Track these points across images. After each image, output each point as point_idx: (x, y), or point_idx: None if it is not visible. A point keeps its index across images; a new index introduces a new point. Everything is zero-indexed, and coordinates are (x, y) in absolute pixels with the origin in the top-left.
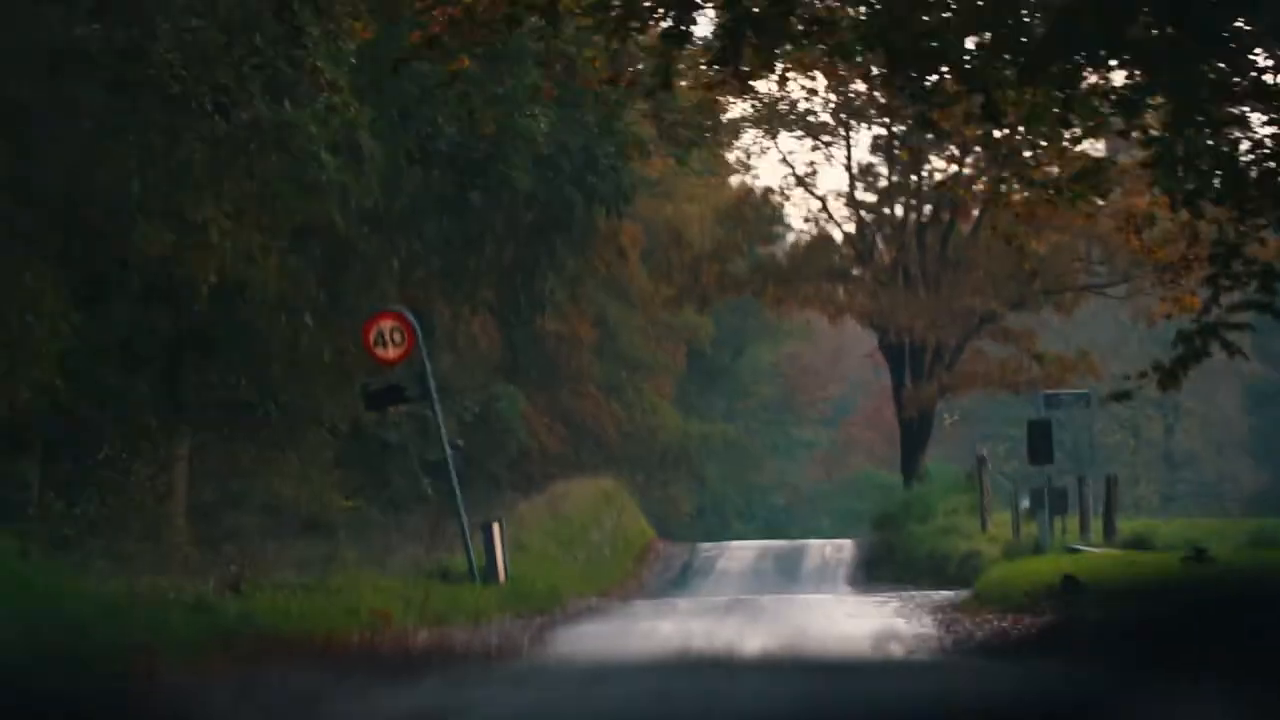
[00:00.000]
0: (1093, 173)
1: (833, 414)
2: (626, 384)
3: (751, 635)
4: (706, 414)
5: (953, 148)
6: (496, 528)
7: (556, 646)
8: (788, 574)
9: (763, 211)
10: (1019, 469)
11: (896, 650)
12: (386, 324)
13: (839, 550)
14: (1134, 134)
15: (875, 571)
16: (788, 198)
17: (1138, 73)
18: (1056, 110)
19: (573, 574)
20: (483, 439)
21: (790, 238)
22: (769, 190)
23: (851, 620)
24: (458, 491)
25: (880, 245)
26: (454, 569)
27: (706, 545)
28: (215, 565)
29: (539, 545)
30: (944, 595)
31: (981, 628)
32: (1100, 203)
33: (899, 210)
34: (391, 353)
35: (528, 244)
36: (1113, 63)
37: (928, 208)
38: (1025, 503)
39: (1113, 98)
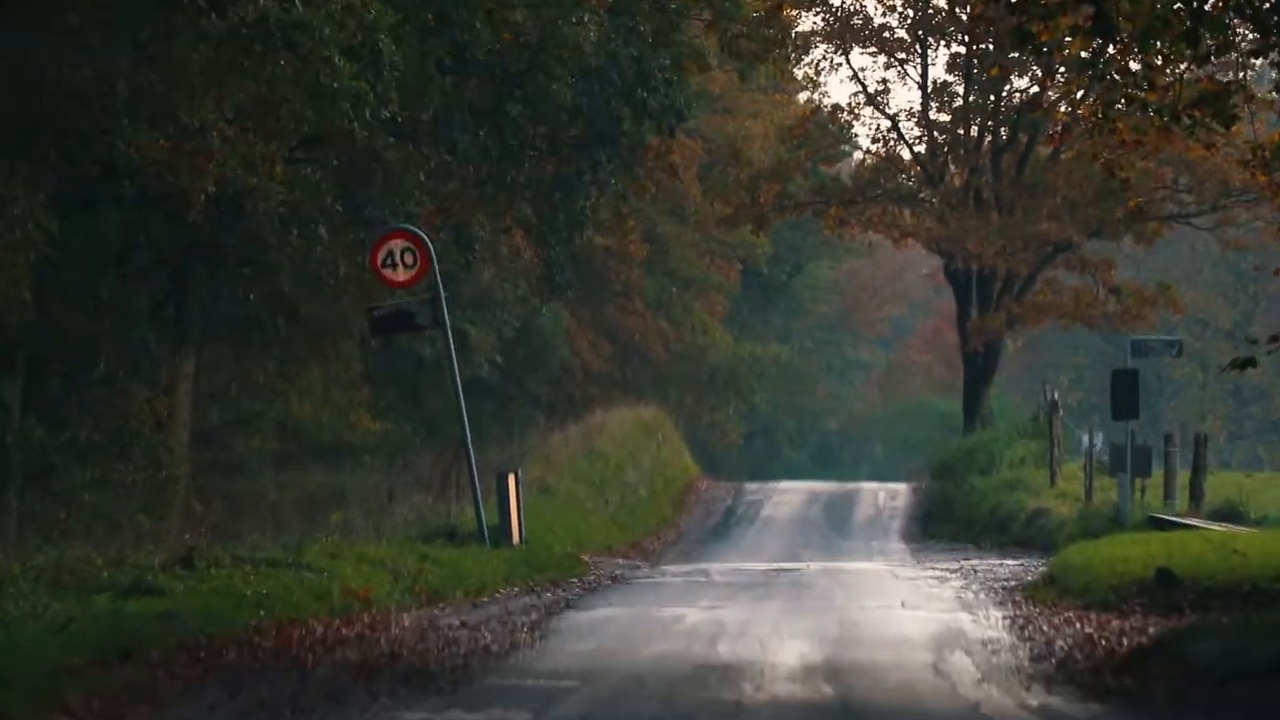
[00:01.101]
0: (1218, 98)
1: (891, 335)
2: (676, 302)
3: (789, 636)
4: (760, 333)
5: (1038, 68)
6: (512, 480)
7: (551, 649)
8: (837, 525)
9: (829, 129)
10: (1086, 405)
11: (964, 669)
12: (397, 244)
13: (893, 497)
14: (1270, 55)
15: (932, 526)
16: (856, 116)
17: None
18: (1181, 23)
19: (602, 523)
20: (523, 356)
21: (856, 158)
22: (837, 108)
23: (908, 615)
24: (468, 442)
25: (951, 167)
26: (463, 526)
27: (752, 486)
28: (207, 515)
29: (567, 489)
30: (1011, 567)
31: (1062, 633)
32: (1223, 132)
33: (974, 131)
34: (402, 275)
35: (570, 160)
36: None
37: (1005, 130)
38: (1100, 453)
39: (1248, 11)
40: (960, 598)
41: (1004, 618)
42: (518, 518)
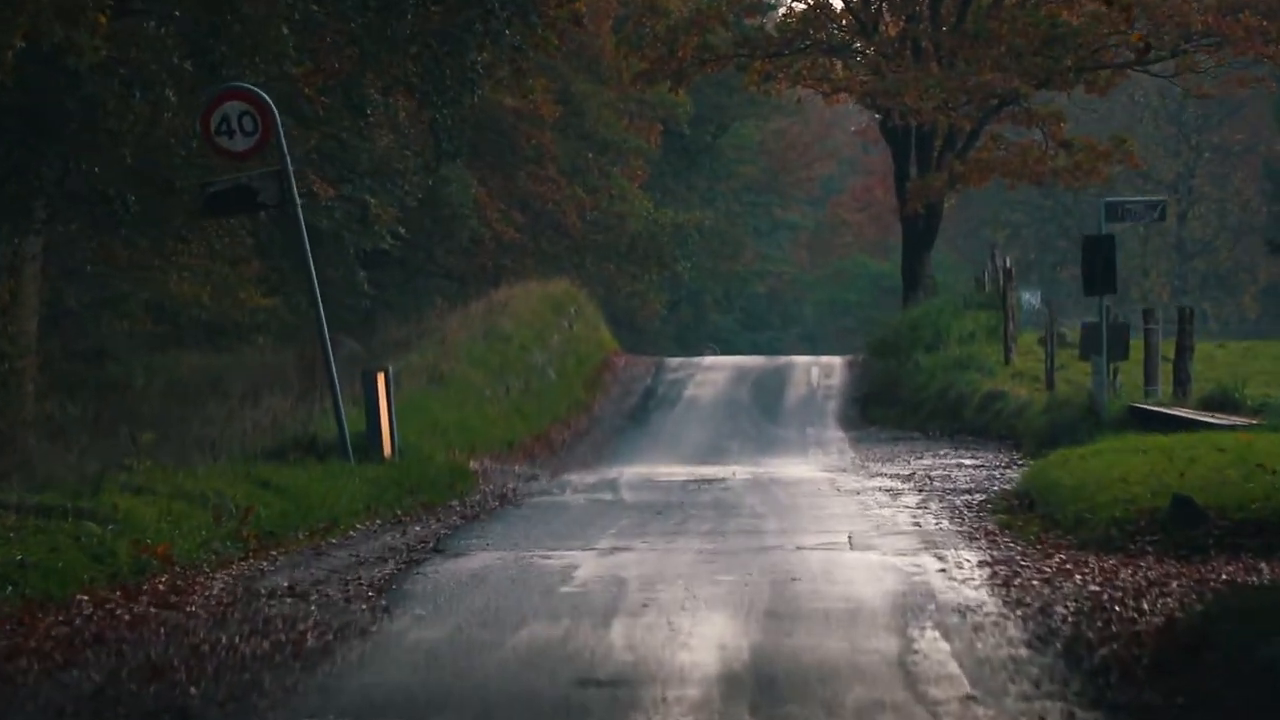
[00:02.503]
0: None
1: (820, 195)
2: (592, 167)
3: (706, 607)
4: (684, 198)
5: None
6: (381, 379)
7: (386, 643)
8: (767, 408)
9: None
10: (1023, 264)
11: (944, 673)
12: (234, 107)
13: (827, 374)
14: None
15: (873, 410)
16: None
17: None
18: None
19: (503, 414)
20: (430, 226)
21: (782, 10)
22: None
23: (858, 560)
24: (324, 333)
25: (886, 15)
26: (326, 436)
27: (674, 362)
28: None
29: (463, 376)
30: (970, 470)
31: (1061, 592)
32: None
33: None
34: (240, 144)
35: (457, 8)
36: None
37: None
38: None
39: None
40: (919, 525)
41: (980, 563)
42: (389, 424)
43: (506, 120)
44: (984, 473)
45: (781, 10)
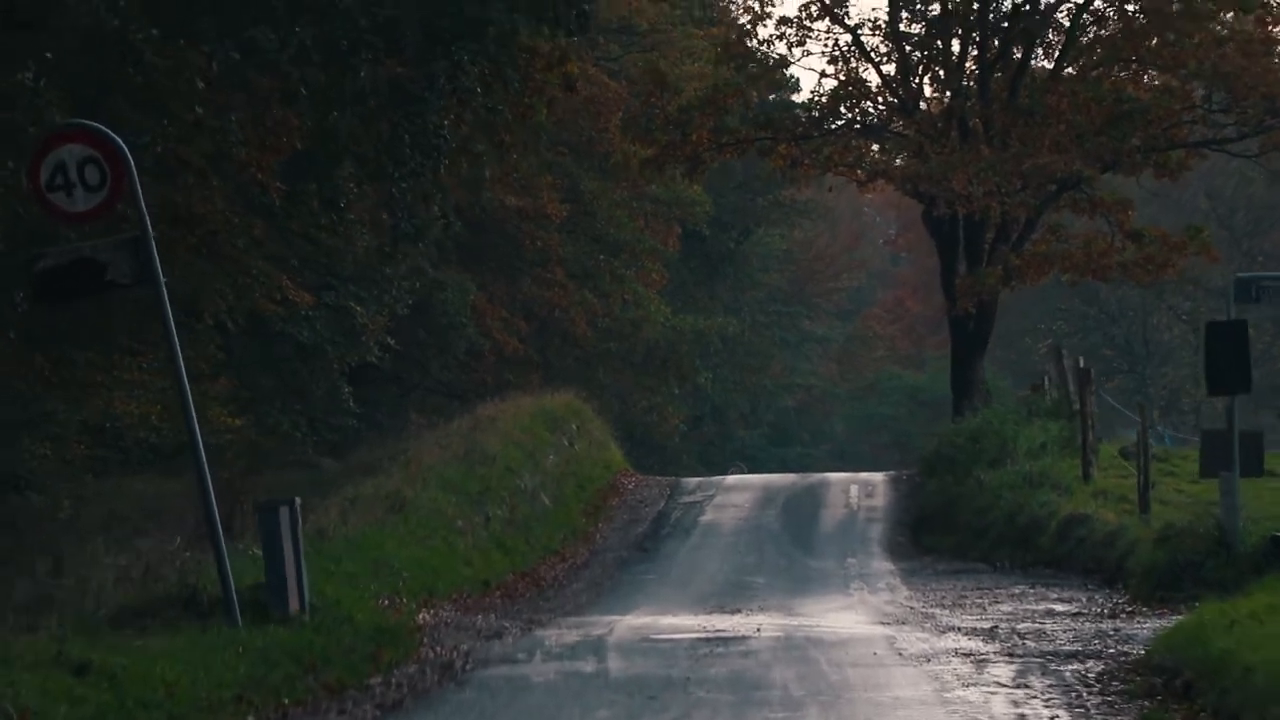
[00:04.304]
0: None
1: (849, 307)
2: (604, 269)
3: None
4: (707, 307)
5: None
6: (285, 515)
7: None
8: (799, 536)
9: (771, 51)
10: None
11: None
12: (73, 153)
13: (868, 493)
14: None
15: (927, 537)
16: (809, 31)
17: None
18: None
19: (477, 548)
20: (422, 337)
21: (809, 87)
22: (784, 20)
23: None
24: (200, 454)
25: (928, 90)
26: (213, 589)
27: (691, 483)
28: None
29: (429, 503)
30: (1065, 619)
31: None
32: None
33: (955, 45)
34: (81, 203)
35: (418, 60)
36: None
37: (994, 42)
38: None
39: None
40: (1024, 711)
41: None
42: (295, 572)
43: (510, 221)
44: (1087, 625)
45: (809, 89)
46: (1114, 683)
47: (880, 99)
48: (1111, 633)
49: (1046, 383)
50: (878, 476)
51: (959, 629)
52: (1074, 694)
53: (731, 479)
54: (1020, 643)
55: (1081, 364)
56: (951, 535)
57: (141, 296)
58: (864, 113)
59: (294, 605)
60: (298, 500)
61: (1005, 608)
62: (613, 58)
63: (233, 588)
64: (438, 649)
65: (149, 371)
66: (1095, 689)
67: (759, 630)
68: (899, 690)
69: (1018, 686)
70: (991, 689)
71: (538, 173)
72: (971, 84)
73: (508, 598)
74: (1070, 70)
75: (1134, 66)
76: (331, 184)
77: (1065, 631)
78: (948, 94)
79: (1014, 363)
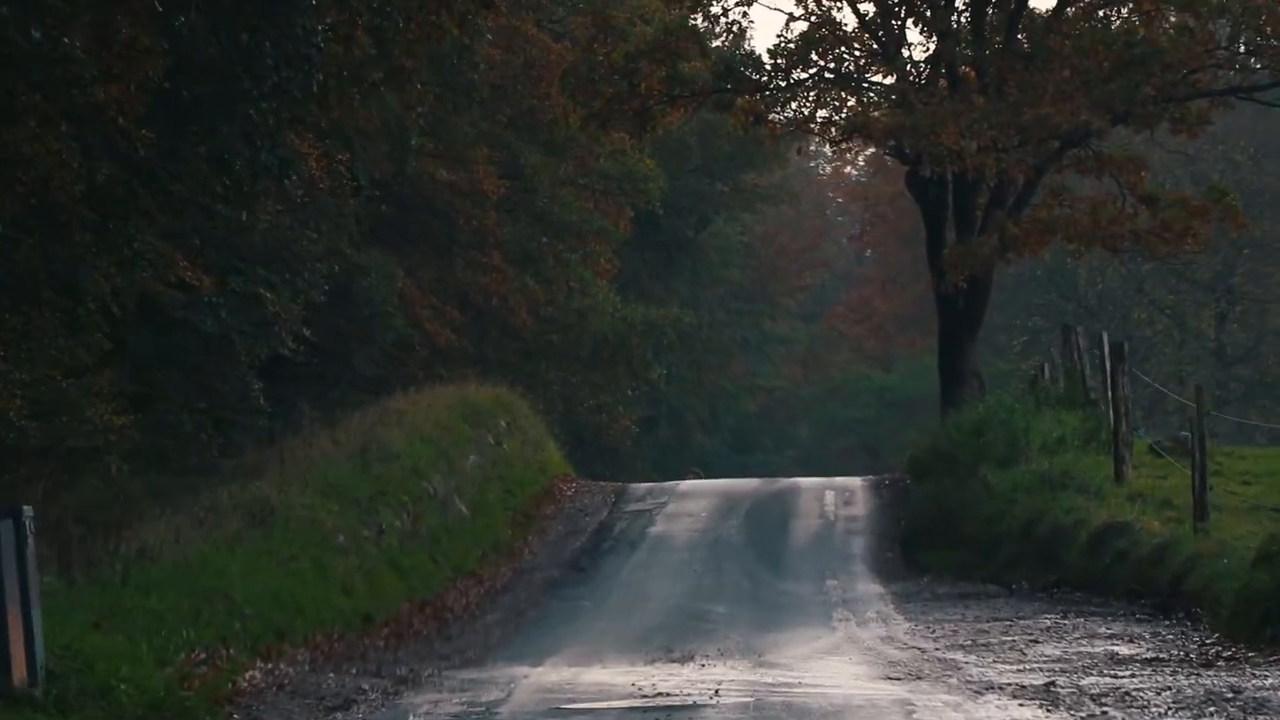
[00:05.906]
0: None
1: (813, 307)
2: (547, 252)
3: None
4: (663, 301)
5: None
6: (4, 534)
7: None
8: (767, 552)
9: None
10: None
11: None
12: None
13: (847, 501)
14: None
15: (923, 553)
16: None
17: None
18: None
19: (358, 571)
20: (343, 327)
21: (776, 27)
22: None
23: None
24: None
25: (913, 33)
26: None
27: (640, 489)
28: None
29: (304, 513)
30: (1155, 679)
31: None
32: None
33: None
34: None
35: None
36: None
37: None
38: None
39: None
40: None
41: None
42: (21, 623)
43: (440, 197)
44: (1181, 680)
45: (775, 34)
46: None
47: (857, 43)
48: (1227, 692)
49: (1047, 370)
50: (856, 481)
51: (1000, 687)
52: None
53: (686, 484)
54: (1098, 712)
55: (1106, 342)
56: (952, 550)
57: None
58: (839, 59)
59: (18, 674)
60: (28, 511)
61: (1048, 650)
62: (556, 19)
63: None
64: None
65: (13, 361)
66: None
67: (717, 694)
68: None
69: None
70: None
71: (472, 142)
72: (962, 25)
73: (395, 637)
74: (1075, 8)
75: (1146, 4)
76: (217, 137)
77: (1154, 690)
78: (935, 37)
79: (985, 358)
